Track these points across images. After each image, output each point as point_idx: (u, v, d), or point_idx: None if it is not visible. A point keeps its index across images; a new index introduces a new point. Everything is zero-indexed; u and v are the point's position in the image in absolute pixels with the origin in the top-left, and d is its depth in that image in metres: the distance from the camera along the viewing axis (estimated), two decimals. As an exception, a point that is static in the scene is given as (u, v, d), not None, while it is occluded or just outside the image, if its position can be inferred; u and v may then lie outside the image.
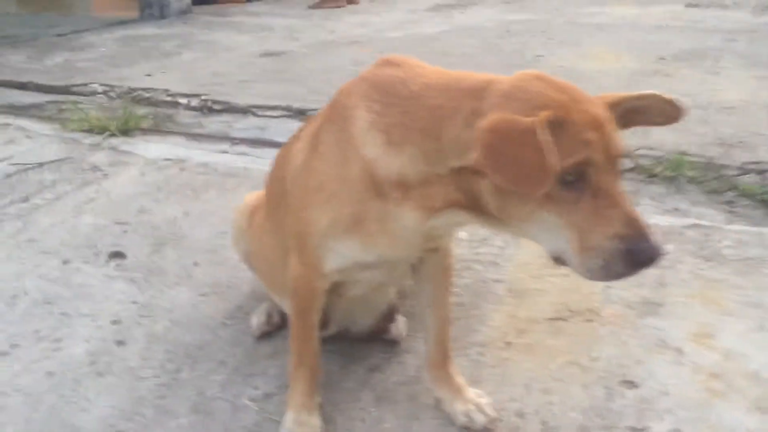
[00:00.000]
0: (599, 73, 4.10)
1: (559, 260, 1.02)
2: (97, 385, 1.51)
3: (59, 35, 6.16)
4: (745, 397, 1.41)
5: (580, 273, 0.99)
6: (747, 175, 2.51)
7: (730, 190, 2.41)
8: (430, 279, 1.39)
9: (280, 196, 1.36)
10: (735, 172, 2.54)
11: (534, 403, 1.42)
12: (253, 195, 1.68)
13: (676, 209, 2.29)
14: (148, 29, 6.42)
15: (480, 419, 1.35)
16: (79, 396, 1.48)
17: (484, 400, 1.39)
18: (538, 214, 0.98)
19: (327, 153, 1.20)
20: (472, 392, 1.41)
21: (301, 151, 1.27)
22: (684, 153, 2.67)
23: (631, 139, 2.87)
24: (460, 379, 1.43)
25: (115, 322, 1.73)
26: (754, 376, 1.47)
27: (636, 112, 1.09)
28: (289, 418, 1.36)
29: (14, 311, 1.78)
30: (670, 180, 2.50)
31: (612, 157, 0.97)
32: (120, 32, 6.24)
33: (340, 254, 1.22)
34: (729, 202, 2.34)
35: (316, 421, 1.37)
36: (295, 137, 1.37)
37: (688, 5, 6.92)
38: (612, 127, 0.99)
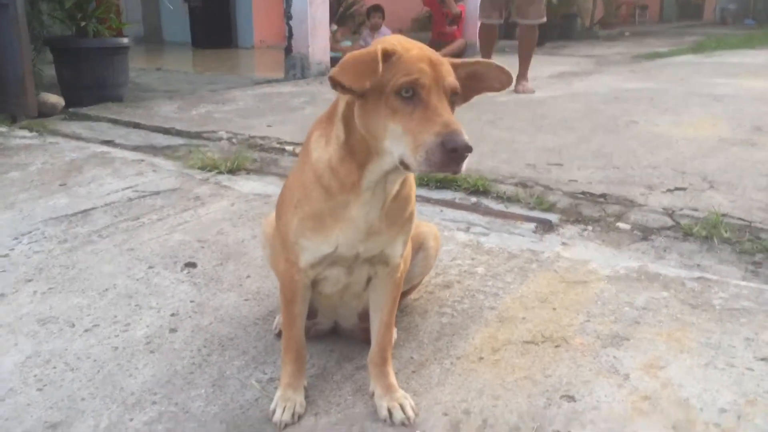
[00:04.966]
0: (684, 140, 4.17)
1: (403, 164, 1.30)
2: (146, 359, 1.88)
3: (212, 91, 6.98)
4: (666, 418, 1.56)
5: (413, 168, 1.28)
6: (783, 240, 2.57)
7: (761, 252, 2.48)
8: (380, 290, 1.66)
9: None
10: (771, 236, 2.60)
11: (480, 405, 1.63)
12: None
13: (698, 265, 2.41)
14: (286, 88, 7.10)
15: (399, 416, 1.58)
16: (131, 366, 1.85)
17: (407, 402, 1.62)
18: (388, 126, 1.29)
19: (296, 168, 1.58)
20: (400, 393, 1.64)
21: None
22: (726, 215, 2.76)
23: (682, 199, 2.99)
24: (393, 380, 1.66)
25: (173, 315, 2.12)
26: (682, 403, 1.61)
27: (477, 77, 1.42)
28: (278, 394, 1.66)
29: (103, 300, 2.22)
30: (704, 239, 2.60)
31: (439, 83, 1.29)
32: (261, 90, 6.95)
33: (309, 250, 1.53)
34: (756, 263, 2.42)
35: (300, 398, 1.65)
36: None
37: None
38: (445, 68, 1.32)
